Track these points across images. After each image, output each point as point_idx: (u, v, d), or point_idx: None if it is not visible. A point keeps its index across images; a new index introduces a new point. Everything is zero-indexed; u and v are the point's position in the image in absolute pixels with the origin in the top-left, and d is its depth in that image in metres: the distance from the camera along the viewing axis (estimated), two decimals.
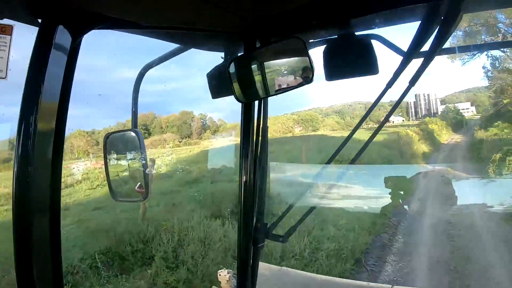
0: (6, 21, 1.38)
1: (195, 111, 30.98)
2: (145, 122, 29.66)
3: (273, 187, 13.84)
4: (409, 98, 35.16)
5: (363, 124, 2.03)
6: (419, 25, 1.70)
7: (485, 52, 23.22)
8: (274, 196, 13.40)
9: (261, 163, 2.11)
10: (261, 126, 2.10)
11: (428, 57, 1.68)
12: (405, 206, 13.92)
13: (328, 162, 2.11)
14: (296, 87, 1.73)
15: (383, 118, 1.98)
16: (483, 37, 22.05)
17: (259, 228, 2.13)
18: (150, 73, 2.32)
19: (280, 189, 13.76)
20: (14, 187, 1.29)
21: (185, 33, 1.92)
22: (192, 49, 2.21)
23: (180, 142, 28.59)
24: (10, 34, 1.40)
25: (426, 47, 1.71)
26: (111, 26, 1.52)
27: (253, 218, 2.14)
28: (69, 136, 25.29)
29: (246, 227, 2.14)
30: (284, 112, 31.83)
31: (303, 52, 1.68)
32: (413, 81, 1.70)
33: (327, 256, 10.80)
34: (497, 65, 23.03)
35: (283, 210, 2.20)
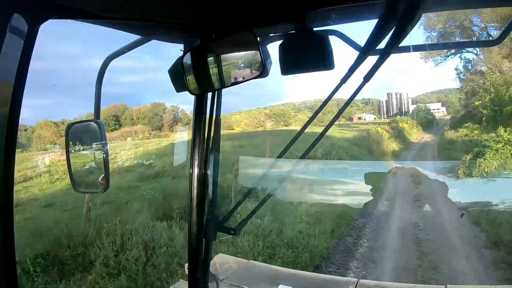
0: None
1: (167, 103, 30.68)
2: (116, 113, 29.36)
3: (240, 180, 13.65)
4: (381, 97, 35.72)
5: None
6: (377, 23, 1.72)
7: (459, 54, 23.75)
8: (240, 189, 13.06)
9: (213, 156, 2.11)
10: (213, 118, 2.09)
11: (384, 55, 1.70)
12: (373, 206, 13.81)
13: (303, 156, 2.13)
14: (251, 79, 1.72)
15: (334, 115, 1.99)
16: (457, 38, 22.56)
17: (210, 221, 2.13)
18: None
19: (247, 183, 13.33)
20: None
21: (146, 24, 1.91)
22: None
23: (150, 134, 28.25)
24: None
25: (383, 44, 1.74)
26: (69, 16, 1.50)
27: (204, 211, 2.14)
28: (36, 127, 24.84)
29: (197, 220, 2.13)
30: (257, 106, 31.94)
31: (255, 45, 1.68)
32: (367, 78, 1.73)
33: (283, 264, 9.88)
34: (470, 68, 23.60)
35: (250, 204, 2.22)
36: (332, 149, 20.90)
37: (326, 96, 1.91)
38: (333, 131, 26.00)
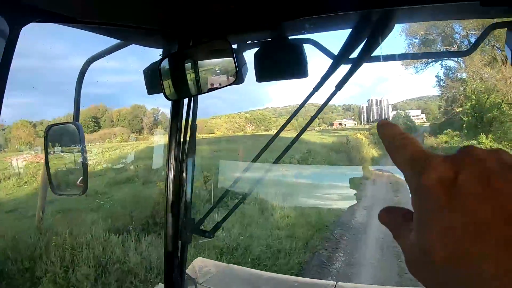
0: None
1: (147, 106, 30.50)
2: (96, 114, 29.08)
3: (220, 183, 13.43)
4: (362, 103, 36.10)
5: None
6: (350, 32, 1.79)
7: (440, 61, 24.10)
8: (219, 192, 12.63)
9: (189, 160, 2.15)
10: (189, 123, 2.13)
11: (356, 64, 1.77)
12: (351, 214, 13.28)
13: (276, 160, 2.17)
14: (227, 86, 1.76)
15: (308, 120, 2.03)
16: (438, 46, 22.92)
17: (186, 223, 2.18)
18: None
19: (225, 186, 12.98)
20: None
21: (126, 29, 1.94)
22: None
23: (128, 136, 27.93)
24: None
25: (356, 53, 1.80)
26: (49, 19, 1.53)
27: (179, 214, 2.18)
28: (12, 127, 24.43)
29: (173, 223, 2.18)
30: (238, 110, 31.95)
31: (229, 53, 1.72)
32: (339, 86, 1.80)
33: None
34: (450, 75, 23.97)
35: (230, 206, 2.25)
36: (309, 155, 20.93)
37: (307, 102, 1.96)
38: (312, 137, 26.09)
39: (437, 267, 0.42)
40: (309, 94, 1.88)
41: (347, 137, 26.59)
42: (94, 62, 2.31)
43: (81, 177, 2.20)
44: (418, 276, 0.46)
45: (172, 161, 2.15)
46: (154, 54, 2.23)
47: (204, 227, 2.20)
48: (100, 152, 21.16)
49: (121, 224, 12.17)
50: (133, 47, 2.21)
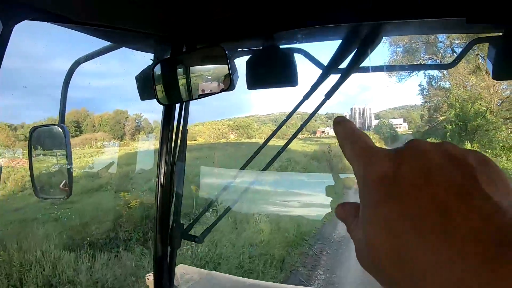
0: None
1: (130, 111, 30.21)
2: (77, 118, 28.64)
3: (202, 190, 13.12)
4: (345, 112, 36.27)
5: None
6: (340, 43, 1.84)
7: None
8: (202, 198, 12.38)
9: (179, 166, 2.17)
10: (180, 129, 2.16)
11: (345, 74, 1.82)
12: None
13: (265, 168, 2.22)
14: (218, 93, 1.78)
15: (297, 129, 2.05)
16: (422, 54, 23.08)
17: (175, 229, 2.19)
18: (86, 67, 2.30)
19: (207, 192, 12.75)
20: None
21: (117, 31, 1.94)
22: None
23: (109, 142, 27.51)
24: None
25: (345, 64, 1.84)
26: (42, 18, 1.53)
27: (169, 219, 2.20)
28: None
29: (162, 228, 2.19)
30: (222, 117, 31.90)
31: (223, 60, 1.74)
32: (328, 95, 1.84)
33: None
34: (433, 84, 24.17)
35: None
36: (289, 164, 20.65)
37: (290, 110, 1.98)
38: (294, 145, 25.92)
39: (382, 260, 0.43)
40: (299, 103, 1.91)
41: (329, 145, 26.58)
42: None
43: (64, 181, 2.19)
44: (368, 270, 0.46)
45: (163, 165, 2.16)
46: (138, 57, 2.23)
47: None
48: (78, 158, 20.43)
49: (78, 238, 10.91)
50: (116, 50, 2.21)
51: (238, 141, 30.00)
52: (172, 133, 2.17)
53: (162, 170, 2.16)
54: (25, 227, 11.28)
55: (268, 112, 36.43)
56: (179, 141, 2.16)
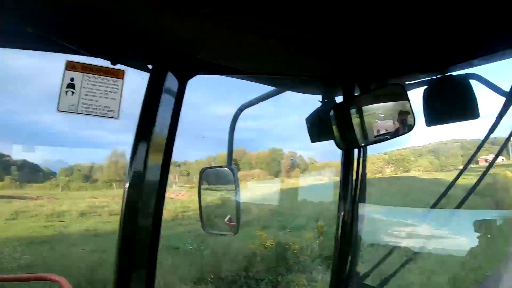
0: (118, 65, 1.53)
1: (284, 149, 31.21)
2: (235, 157, 30.23)
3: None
4: (507, 133, 32.90)
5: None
6: None
7: None
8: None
9: (358, 210, 2.10)
10: (360, 172, 2.10)
11: None
12: None
13: (433, 206, 2.07)
14: (398, 135, 1.71)
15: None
16: None
17: (352, 276, 2.10)
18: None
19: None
20: (124, 208, 1.46)
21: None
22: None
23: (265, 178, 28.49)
24: (122, 78, 1.54)
25: None
26: (214, 71, 1.64)
27: (346, 265, 2.11)
28: None
29: (339, 275, 2.12)
30: (376, 151, 31.17)
31: (403, 97, 1.66)
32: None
33: None
34: None
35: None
36: (447, 201, 18.27)
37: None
38: (452, 177, 23.55)
39: None
40: (486, 136, 1.76)
41: (494, 176, 22.95)
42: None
43: (228, 216, 2.27)
44: None
45: (344, 209, 2.11)
46: (292, 99, 2.26)
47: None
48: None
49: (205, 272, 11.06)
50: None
51: (394, 175, 28.83)
52: (352, 176, 2.13)
53: (342, 214, 2.11)
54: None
55: (425, 143, 34.60)
56: (359, 184, 2.10)
